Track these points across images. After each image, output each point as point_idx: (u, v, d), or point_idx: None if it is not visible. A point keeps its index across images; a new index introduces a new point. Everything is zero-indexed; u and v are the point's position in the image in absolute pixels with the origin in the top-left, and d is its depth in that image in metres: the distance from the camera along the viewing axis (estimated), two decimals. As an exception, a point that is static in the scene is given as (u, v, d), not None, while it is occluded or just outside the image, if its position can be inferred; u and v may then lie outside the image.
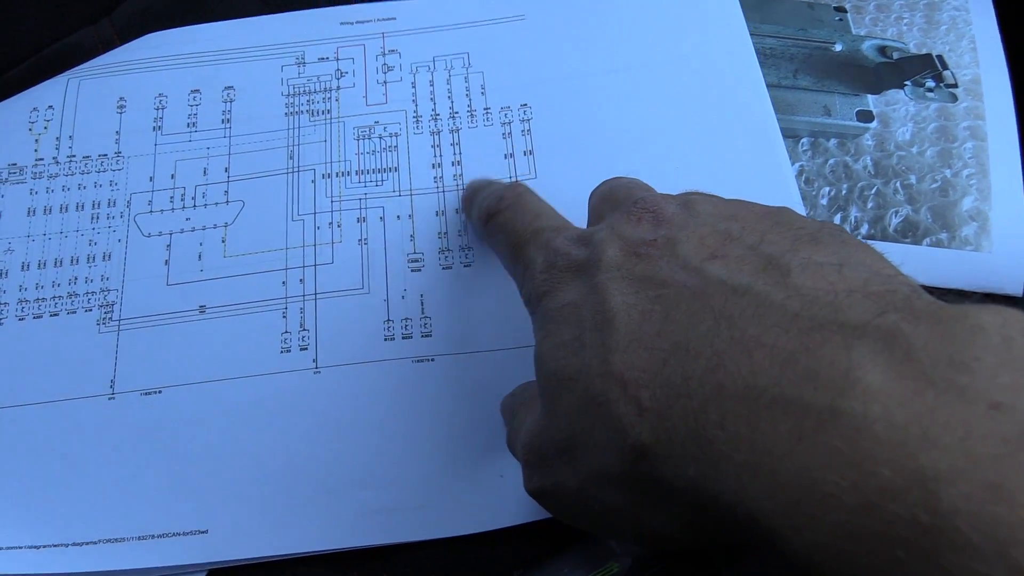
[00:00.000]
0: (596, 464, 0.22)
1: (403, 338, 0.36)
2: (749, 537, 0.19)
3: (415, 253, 0.38)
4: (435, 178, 0.40)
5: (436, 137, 0.41)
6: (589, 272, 0.25)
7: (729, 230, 0.23)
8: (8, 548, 0.33)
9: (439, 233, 0.39)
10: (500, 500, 0.33)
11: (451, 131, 0.41)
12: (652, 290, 0.23)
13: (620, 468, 0.21)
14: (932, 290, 0.24)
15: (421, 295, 0.37)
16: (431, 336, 0.36)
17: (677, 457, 0.20)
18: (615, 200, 0.29)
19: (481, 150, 0.41)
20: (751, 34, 0.43)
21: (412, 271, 0.38)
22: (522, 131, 0.41)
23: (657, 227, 0.25)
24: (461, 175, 0.40)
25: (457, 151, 0.41)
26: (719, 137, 0.40)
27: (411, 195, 0.40)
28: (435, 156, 0.40)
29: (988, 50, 0.43)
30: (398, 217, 0.39)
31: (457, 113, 0.41)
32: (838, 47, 0.44)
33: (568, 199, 0.38)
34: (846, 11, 0.45)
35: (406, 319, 0.37)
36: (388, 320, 0.37)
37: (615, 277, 0.24)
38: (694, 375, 0.20)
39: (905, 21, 0.44)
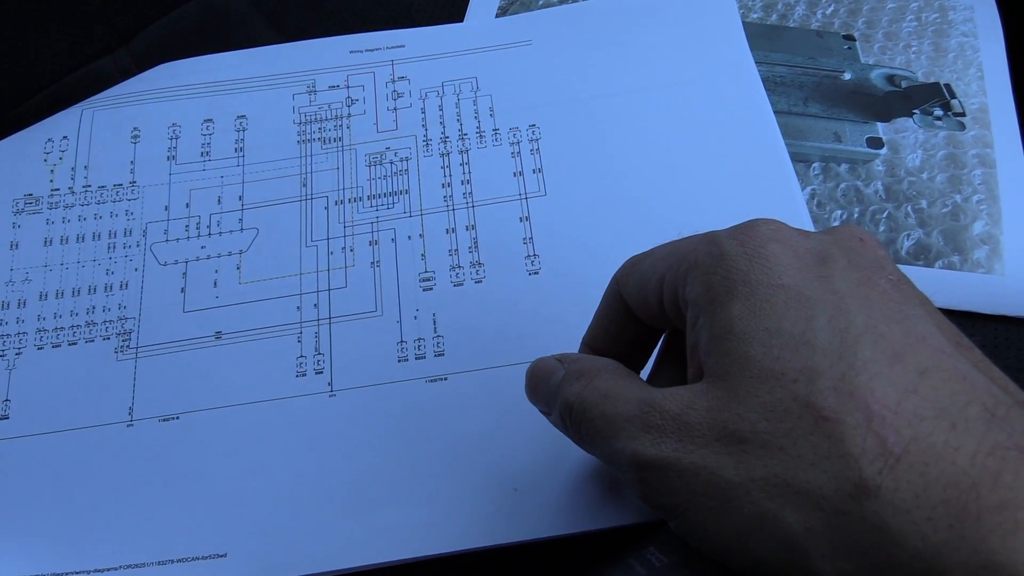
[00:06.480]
0: (788, 474, 0.20)
1: (416, 359, 0.36)
2: None
3: (426, 272, 0.38)
4: (445, 197, 0.40)
5: (446, 159, 0.41)
6: (826, 266, 0.23)
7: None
8: (31, 576, 0.33)
9: (449, 250, 0.39)
10: (514, 514, 0.33)
11: (460, 152, 0.41)
12: (912, 342, 0.21)
13: (826, 492, 0.20)
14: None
15: (433, 314, 0.37)
16: (444, 355, 0.36)
17: (923, 520, 0.18)
18: None
19: (490, 169, 0.41)
20: (761, 63, 0.43)
21: (424, 291, 0.38)
22: (531, 150, 0.41)
23: None
24: (471, 192, 0.40)
25: (467, 170, 0.41)
26: (726, 159, 0.40)
27: (421, 215, 0.40)
28: (445, 176, 0.41)
29: (995, 78, 0.43)
30: (409, 237, 0.39)
31: (466, 135, 0.42)
32: (847, 76, 0.44)
33: (579, 214, 0.39)
34: (855, 39, 0.45)
35: (419, 339, 0.37)
36: (401, 341, 0.37)
37: (859, 295, 0.22)
38: (964, 447, 0.19)
39: (913, 49, 0.44)
